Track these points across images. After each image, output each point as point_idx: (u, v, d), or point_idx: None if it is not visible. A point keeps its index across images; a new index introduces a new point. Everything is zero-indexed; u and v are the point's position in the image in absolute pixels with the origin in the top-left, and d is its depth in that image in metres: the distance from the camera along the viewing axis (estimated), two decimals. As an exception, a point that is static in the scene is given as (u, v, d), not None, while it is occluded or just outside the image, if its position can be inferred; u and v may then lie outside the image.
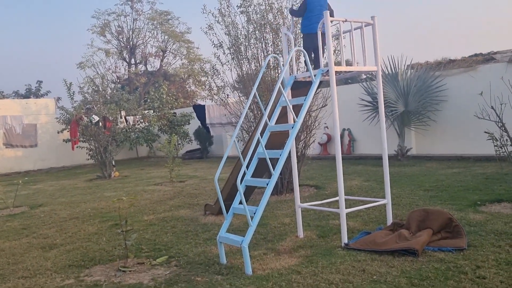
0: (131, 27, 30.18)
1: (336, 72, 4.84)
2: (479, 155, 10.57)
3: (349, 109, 12.83)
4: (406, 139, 12.26)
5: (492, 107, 6.09)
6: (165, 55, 31.01)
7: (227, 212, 4.70)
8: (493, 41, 46.48)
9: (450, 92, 11.59)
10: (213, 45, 8.67)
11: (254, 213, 4.36)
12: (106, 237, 6.20)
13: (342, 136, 14.48)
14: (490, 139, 5.92)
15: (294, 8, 6.45)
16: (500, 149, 5.91)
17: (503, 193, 6.74)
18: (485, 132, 5.90)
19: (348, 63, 5.55)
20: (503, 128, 5.89)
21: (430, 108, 11.76)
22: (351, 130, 14.39)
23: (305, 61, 4.89)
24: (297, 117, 4.71)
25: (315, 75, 4.79)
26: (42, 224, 7.44)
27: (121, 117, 16.51)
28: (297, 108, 5.07)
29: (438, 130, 12.00)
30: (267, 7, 8.30)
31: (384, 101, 11.37)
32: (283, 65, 5.13)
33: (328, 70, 4.73)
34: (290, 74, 5.36)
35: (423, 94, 11.74)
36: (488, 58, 11.24)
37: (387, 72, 12.11)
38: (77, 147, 15.15)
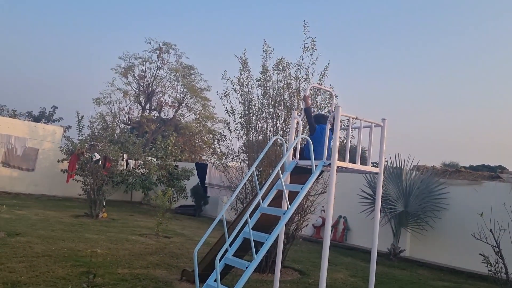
0: (154, 74, 31.10)
1: (337, 166, 4.79)
2: (473, 271, 10.23)
3: (349, 197, 12.66)
4: (401, 239, 11.98)
5: (490, 230, 5.95)
6: (180, 106, 31.59)
7: (201, 284, 4.47)
8: (504, 152, 46.96)
9: (452, 201, 11.47)
10: (226, 111, 8.75)
11: (227, 296, 4.15)
12: (72, 285, 5.91)
13: (337, 223, 14.24)
14: (484, 262, 5.72)
15: (311, 104, 6.34)
16: (494, 275, 5.70)
17: (491, 321, 6.43)
18: (480, 254, 5.72)
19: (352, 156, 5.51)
20: (499, 254, 5.71)
21: (430, 214, 11.58)
22: (347, 218, 14.14)
23: (309, 151, 4.84)
24: (291, 203, 4.60)
25: (316, 166, 4.73)
26: (13, 256, 7.17)
27: (122, 159, 16.47)
28: (294, 193, 4.96)
29: (435, 237, 11.74)
30: (284, 85, 8.44)
31: (384, 197, 11.43)
32: (287, 148, 5.10)
33: (330, 164, 4.68)
34: (292, 159, 5.32)
35: (425, 198, 11.62)
36: (494, 176, 11.22)
37: (391, 169, 12.08)
38: (72, 180, 15.05)
